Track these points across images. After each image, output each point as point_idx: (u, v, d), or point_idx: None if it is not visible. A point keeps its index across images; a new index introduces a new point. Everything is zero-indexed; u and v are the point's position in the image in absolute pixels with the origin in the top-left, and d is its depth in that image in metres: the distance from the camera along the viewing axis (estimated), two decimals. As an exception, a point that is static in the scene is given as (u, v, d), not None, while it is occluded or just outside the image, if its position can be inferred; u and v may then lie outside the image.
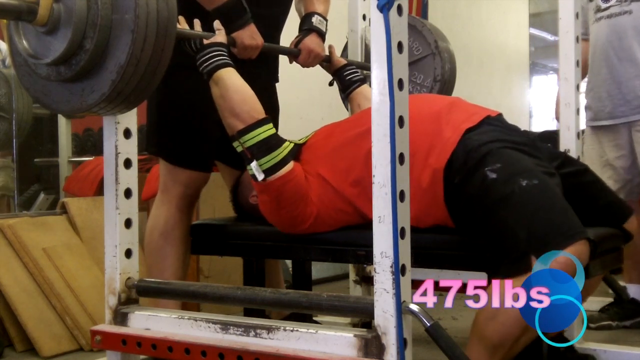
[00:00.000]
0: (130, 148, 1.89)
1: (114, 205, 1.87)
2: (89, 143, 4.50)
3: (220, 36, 1.97)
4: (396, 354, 1.45)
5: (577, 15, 2.34)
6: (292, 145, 1.95)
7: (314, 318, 2.39)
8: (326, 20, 2.38)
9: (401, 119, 1.47)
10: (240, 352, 1.65)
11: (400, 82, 1.48)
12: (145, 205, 3.02)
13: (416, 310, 1.46)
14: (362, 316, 1.66)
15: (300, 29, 2.37)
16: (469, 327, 1.69)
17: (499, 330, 1.57)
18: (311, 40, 2.32)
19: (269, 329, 1.65)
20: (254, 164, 1.85)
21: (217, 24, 1.99)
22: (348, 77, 2.42)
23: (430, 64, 2.57)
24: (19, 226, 2.86)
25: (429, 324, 1.47)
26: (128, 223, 1.90)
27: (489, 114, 1.87)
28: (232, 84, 1.90)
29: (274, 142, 1.88)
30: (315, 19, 2.34)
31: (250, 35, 2.09)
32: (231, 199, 2.24)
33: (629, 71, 2.81)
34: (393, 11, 1.45)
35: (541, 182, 1.65)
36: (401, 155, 1.47)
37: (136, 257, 1.92)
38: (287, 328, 1.63)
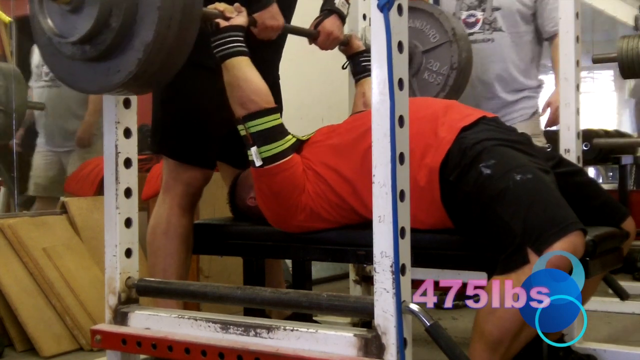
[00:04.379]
0: (130, 148, 1.89)
1: (114, 204, 1.87)
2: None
3: (240, 18, 1.94)
4: (396, 353, 1.45)
5: (577, 15, 2.34)
6: (294, 140, 1.95)
7: (314, 318, 2.39)
8: (349, 3, 2.35)
9: (401, 118, 1.47)
10: (240, 352, 1.65)
11: (400, 82, 1.48)
12: (145, 205, 3.02)
13: (416, 310, 1.46)
14: (362, 316, 1.66)
15: (322, 10, 2.34)
16: (469, 327, 1.69)
17: (499, 325, 1.58)
18: (331, 23, 2.29)
19: (269, 329, 1.65)
20: (253, 150, 1.86)
21: (237, 5, 1.96)
22: (362, 64, 2.40)
23: (447, 52, 2.54)
24: (19, 226, 2.86)
25: (429, 324, 1.47)
26: (128, 222, 1.90)
27: (484, 115, 1.88)
28: (243, 73, 1.89)
29: (278, 132, 1.89)
30: (338, 1, 2.31)
31: (272, 16, 2.07)
32: (228, 200, 2.24)
33: (483, 92, 3.03)
34: (393, 11, 1.45)
35: (535, 176, 1.66)
36: (401, 155, 1.47)
37: (136, 257, 1.92)
38: (287, 327, 1.63)
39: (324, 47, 2.34)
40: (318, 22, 2.31)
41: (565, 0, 2.36)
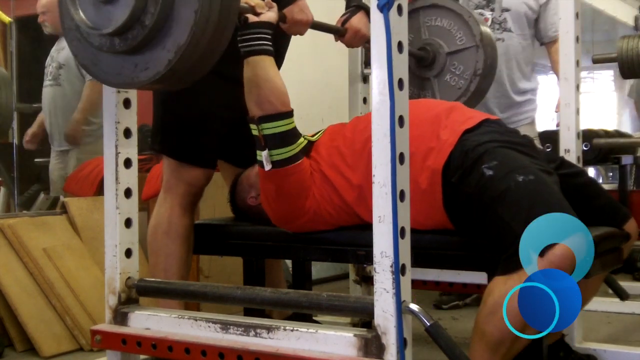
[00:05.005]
0: (130, 148, 1.89)
1: (114, 204, 1.87)
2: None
3: (270, 14, 1.90)
4: (396, 353, 1.45)
5: (577, 15, 2.34)
6: (305, 142, 1.95)
7: (314, 318, 2.39)
8: None
9: (401, 118, 1.47)
10: (240, 352, 1.65)
11: (400, 82, 1.48)
12: (145, 205, 3.02)
13: (416, 310, 1.46)
14: (362, 316, 1.66)
15: (348, 6, 2.32)
16: (469, 327, 1.69)
17: (499, 326, 1.57)
18: (358, 20, 2.26)
19: (269, 329, 1.65)
20: (264, 153, 1.86)
21: (268, 1, 1.92)
22: None
23: (472, 56, 2.50)
24: (19, 226, 2.86)
25: (429, 324, 1.47)
26: (128, 223, 1.90)
27: (487, 117, 1.89)
28: (264, 72, 1.87)
29: (291, 136, 1.88)
30: None
31: (301, 10, 2.05)
32: (229, 199, 2.24)
33: (492, 90, 2.96)
34: (393, 11, 1.45)
35: (537, 177, 1.66)
36: (401, 155, 1.47)
37: (136, 257, 1.92)
38: (287, 328, 1.63)
39: (351, 44, 2.31)
40: (345, 19, 2.27)
41: (565, 0, 2.36)
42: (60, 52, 4.06)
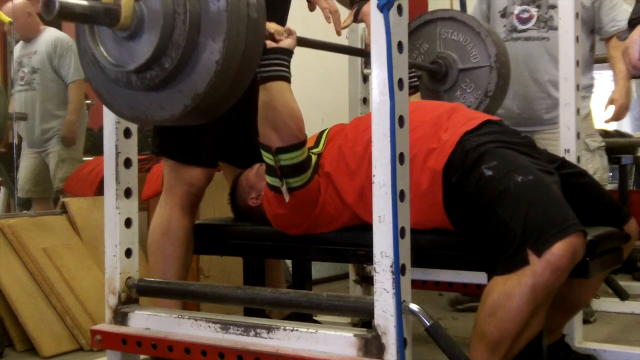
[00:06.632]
0: (130, 148, 1.89)
1: (114, 204, 1.87)
2: (89, 143, 4.50)
3: (288, 40, 1.87)
4: (396, 353, 1.45)
5: (577, 15, 2.34)
6: (315, 158, 1.95)
7: (314, 318, 2.39)
8: None
9: (401, 118, 1.47)
10: (240, 352, 1.65)
11: (400, 82, 1.48)
12: (145, 205, 3.02)
13: (416, 309, 1.46)
14: (362, 316, 1.67)
15: (353, 1, 2.26)
16: (469, 327, 1.69)
17: (499, 326, 1.57)
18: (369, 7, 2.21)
19: (269, 329, 1.65)
20: (284, 188, 1.84)
21: (288, 28, 1.90)
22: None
23: (484, 76, 2.47)
24: (19, 226, 2.86)
25: (429, 324, 1.47)
26: (128, 222, 1.90)
27: (489, 118, 1.89)
28: (282, 97, 1.84)
29: (306, 162, 1.87)
30: None
31: None
32: (229, 201, 2.24)
33: (536, 91, 3.00)
34: (393, 11, 1.46)
35: (536, 177, 1.66)
36: (401, 155, 1.47)
37: (136, 257, 1.92)
38: (287, 328, 1.63)
39: None
40: (356, 11, 2.20)
41: (565, 0, 2.35)
42: (33, 57, 4.09)
